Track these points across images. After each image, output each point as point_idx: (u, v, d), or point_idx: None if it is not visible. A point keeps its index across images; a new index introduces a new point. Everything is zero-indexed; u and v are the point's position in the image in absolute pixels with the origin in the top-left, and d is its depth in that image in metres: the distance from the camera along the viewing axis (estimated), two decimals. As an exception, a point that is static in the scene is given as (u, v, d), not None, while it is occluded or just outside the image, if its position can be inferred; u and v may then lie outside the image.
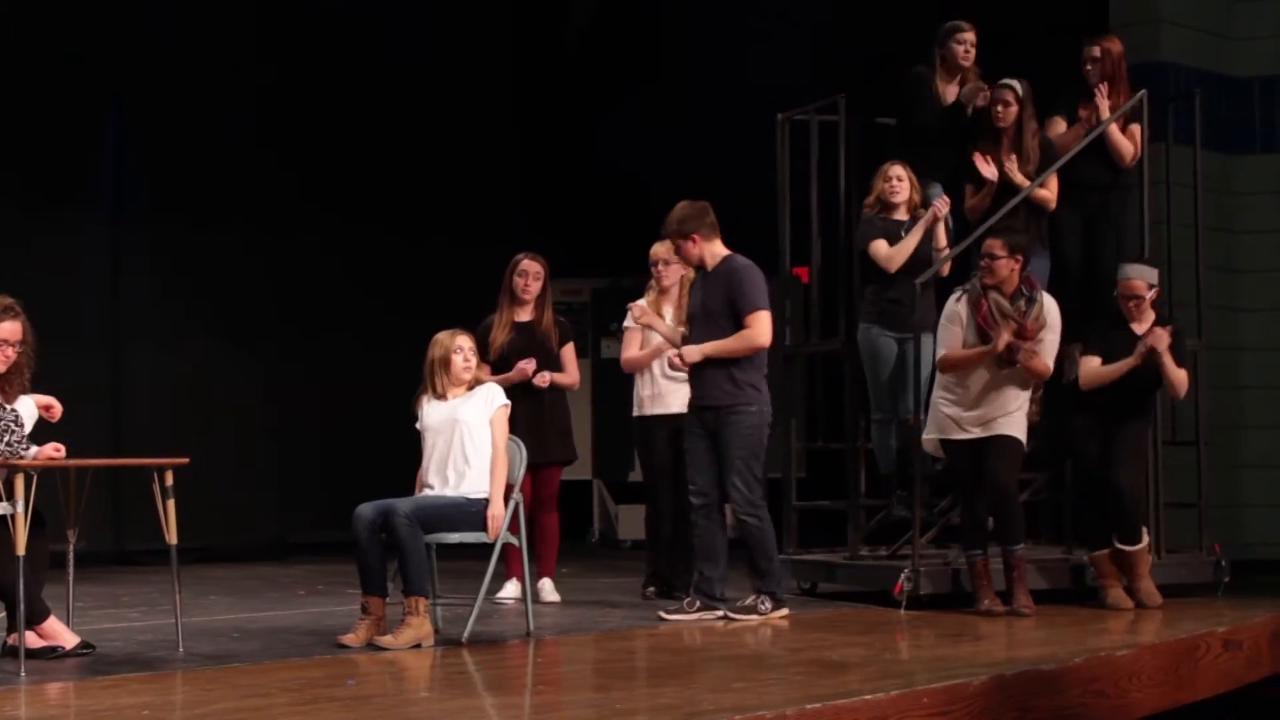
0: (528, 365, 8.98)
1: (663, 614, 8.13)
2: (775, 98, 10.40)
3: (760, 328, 7.99)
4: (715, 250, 8.12)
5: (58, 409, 7.05)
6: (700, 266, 8.21)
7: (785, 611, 8.12)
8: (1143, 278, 8.64)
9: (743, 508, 8.02)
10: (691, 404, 8.26)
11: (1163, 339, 8.45)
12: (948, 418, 8.39)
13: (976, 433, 8.32)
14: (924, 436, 8.55)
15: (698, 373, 8.11)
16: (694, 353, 8.06)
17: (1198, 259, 9.72)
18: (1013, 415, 8.35)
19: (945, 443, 8.44)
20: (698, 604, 8.09)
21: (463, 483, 7.42)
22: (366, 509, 7.23)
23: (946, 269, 9.14)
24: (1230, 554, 9.46)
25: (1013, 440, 8.34)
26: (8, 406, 6.84)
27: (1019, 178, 9.06)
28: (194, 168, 12.53)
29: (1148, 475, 8.97)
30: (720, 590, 8.10)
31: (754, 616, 8.00)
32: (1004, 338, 8.18)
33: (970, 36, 9.51)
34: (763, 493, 8.06)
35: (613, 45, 15.14)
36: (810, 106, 9.84)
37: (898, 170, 9.24)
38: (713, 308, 8.07)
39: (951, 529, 8.97)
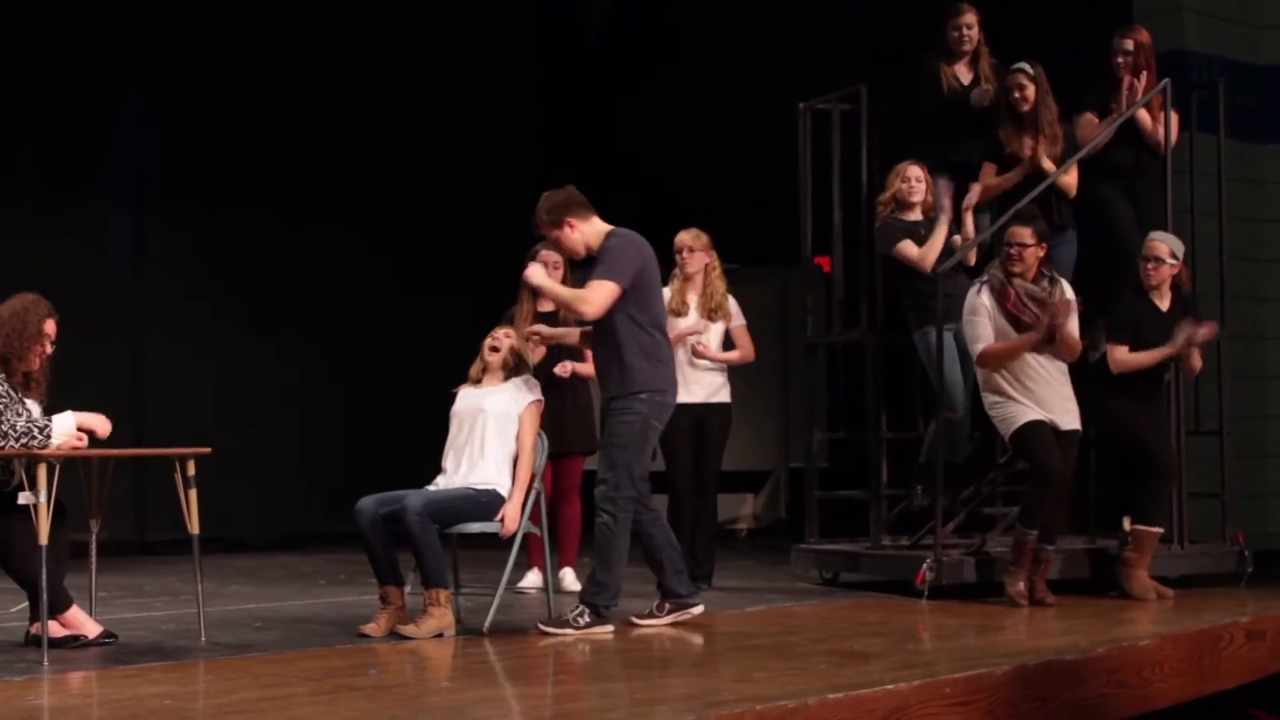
0: (563, 370, 8.99)
1: (635, 619, 7.52)
2: (796, 86, 10.39)
3: (588, 293, 7.23)
4: (597, 229, 7.44)
5: (105, 429, 7.01)
6: (587, 253, 7.49)
7: (609, 628, 7.28)
8: (1166, 243, 8.66)
9: (600, 502, 7.29)
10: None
11: (1209, 332, 8.54)
12: (1039, 411, 8.33)
13: (1065, 425, 8.34)
14: (1018, 424, 8.41)
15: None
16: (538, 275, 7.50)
17: (1221, 248, 9.69)
18: (1075, 407, 8.40)
19: (1053, 432, 8.34)
20: (667, 606, 7.55)
21: (474, 472, 7.40)
22: (367, 502, 7.21)
23: (973, 258, 9.11)
24: (1253, 544, 9.44)
25: (1080, 436, 8.43)
26: (42, 421, 6.81)
27: (1048, 164, 9.05)
28: (215, 157, 12.55)
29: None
30: (686, 588, 7.59)
31: (568, 631, 7.17)
32: (1048, 320, 8.18)
33: (966, 19, 9.48)
34: (632, 493, 7.29)
35: (633, 33, 15.12)
36: (832, 95, 9.81)
37: (916, 171, 9.21)
38: None
39: (976, 518, 8.96)
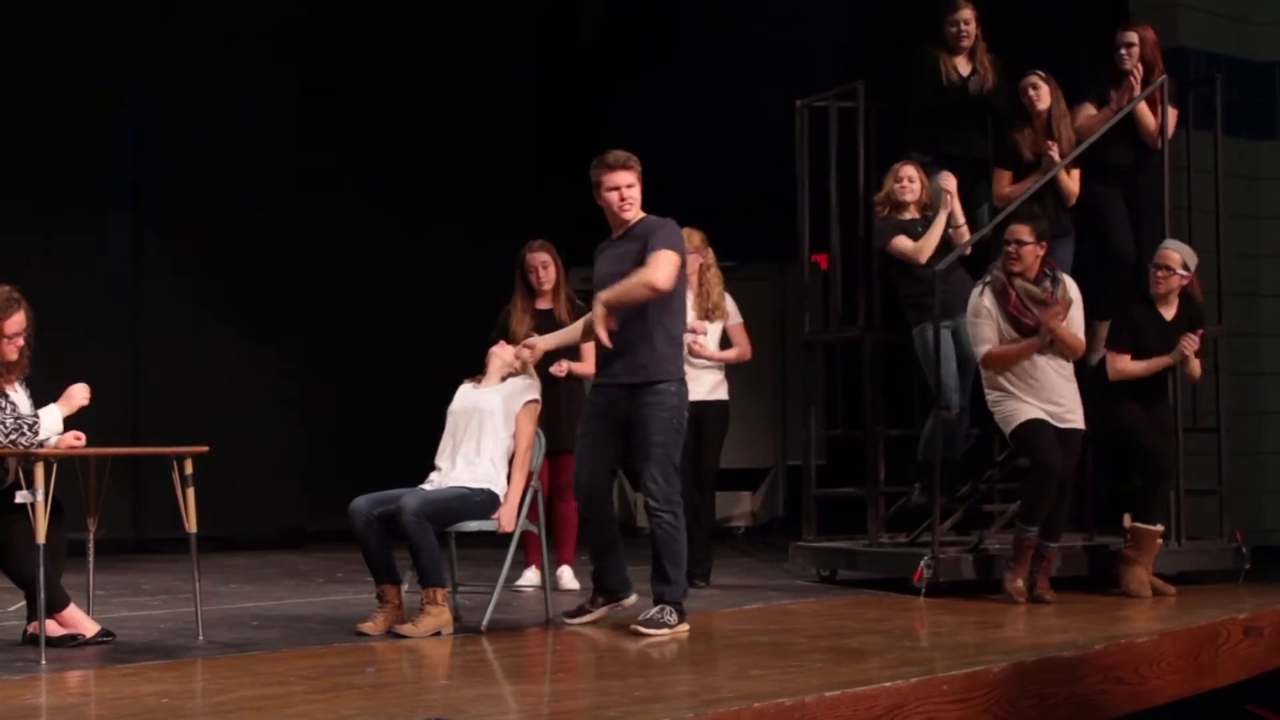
0: (559, 370, 8.95)
1: (564, 618, 7.53)
2: (793, 83, 10.39)
3: (653, 268, 7.06)
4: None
5: (84, 396, 7.00)
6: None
7: (687, 626, 7.27)
8: (1180, 254, 8.64)
9: (658, 504, 7.20)
10: (601, 381, 7.39)
11: (1193, 343, 8.53)
12: (1042, 409, 8.31)
13: (1068, 423, 8.33)
14: (1019, 421, 8.39)
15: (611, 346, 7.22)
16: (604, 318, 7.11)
17: (1219, 245, 9.69)
18: (1078, 406, 8.40)
19: (1056, 430, 8.32)
20: (600, 600, 7.55)
21: (469, 470, 7.38)
22: (361, 502, 7.20)
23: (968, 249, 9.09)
24: (1251, 540, 9.45)
25: (1083, 435, 8.42)
26: (21, 410, 6.80)
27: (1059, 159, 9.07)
28: (213, 157, 12.56)
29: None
30: (620, 580, 7.57)
31: (664, 631, 7.14)
32: (1050, 325, 8.18)
33: (963, 15, 9.52)
34: (680, 486, 7.28)
35: (630, 30, 15.13)
36: (829, 93, 9.81)
37: (909, 171, 9.23)
38: None
39: (974, 515, 8.96)
